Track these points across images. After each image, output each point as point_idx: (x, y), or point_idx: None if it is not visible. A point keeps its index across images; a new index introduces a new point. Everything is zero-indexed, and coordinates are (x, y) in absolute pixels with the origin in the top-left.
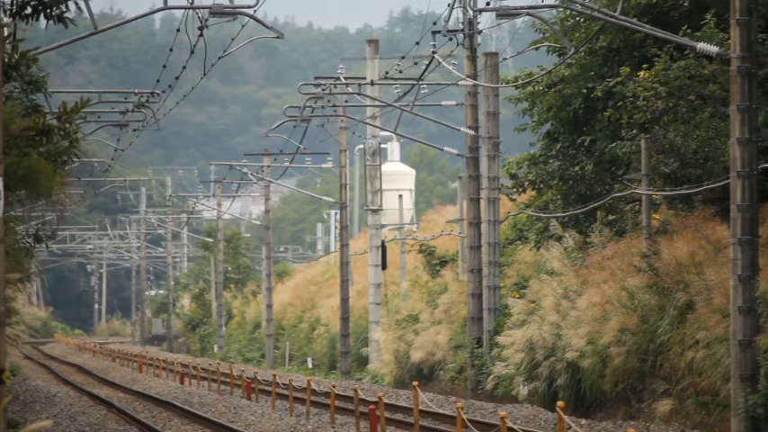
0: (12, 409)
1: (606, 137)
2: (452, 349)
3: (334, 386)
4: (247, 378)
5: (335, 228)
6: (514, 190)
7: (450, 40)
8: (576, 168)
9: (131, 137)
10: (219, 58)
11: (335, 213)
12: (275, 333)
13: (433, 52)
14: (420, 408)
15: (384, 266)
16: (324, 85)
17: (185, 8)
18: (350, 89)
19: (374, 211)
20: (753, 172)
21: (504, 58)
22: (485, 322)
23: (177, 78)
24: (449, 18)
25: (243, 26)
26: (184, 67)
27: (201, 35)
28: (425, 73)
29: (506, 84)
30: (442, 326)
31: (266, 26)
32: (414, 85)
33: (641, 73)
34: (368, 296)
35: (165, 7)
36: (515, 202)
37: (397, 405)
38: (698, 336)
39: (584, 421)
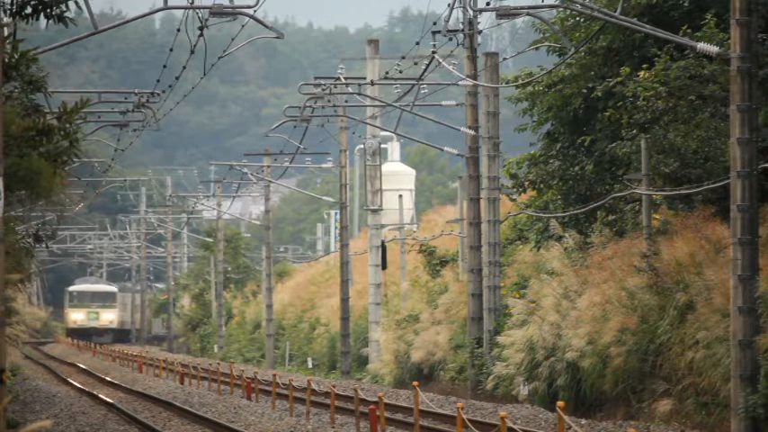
0: (12, 409)
1: (606, 137)
2: (452, 349)
3: (334, 386)
4: (247, 378)
5: (335, 228)
6: (514, 190)
7: (450, 40)
8: (576, 168)
9: (131, 137)
10: (219, 58)
11: (335, 213)
12: (275, 333)
13: (433, 52)
14: (420, 408)
15: (384, 266)
16: (324, 85)
17: (185, 8)
18: (350, 89)
19: (374, 211)
20: (753, 172)
21: (504, 58)
22: (485, 322)
23: (177, 78)
24: (449, 18)
25: (243, 26)
26: (184, 67)
27: (201, 35)
28: (425, 73)
29: (506, 84)
30: (442, 326)
31: (266, 26)
32: (414, 85)
33: (641, 73)
34: (368, 296)
35: (165, 7)
36: (515, 202)
37: (397, 405)
38: (698, 336)
39: (584, 421)
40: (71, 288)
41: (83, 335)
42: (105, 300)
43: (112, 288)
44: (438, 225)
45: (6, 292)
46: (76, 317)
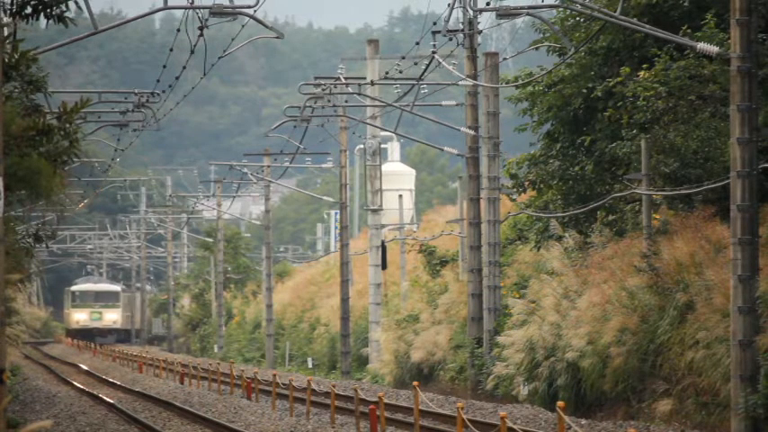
0: (12, 409)
1: (606, 137)
2: (452, 349)
3: (334, 386)
4: (247, 378)
5: (335, 228)
6: (514, 190)
7: (451, 40)
8: (576, 168)
9: (131, 137)
10: (219, 58)
11: (335, 213)
12: (275, 333)
13: (433, 52)
14: (420, 408)
15: (384, 266)
16: (324, 85)
17: (185, 8)
18: (350, 89)
19: (374, 211)
20: (753, 172)
21: (505, 58)
22: (485, 322)
23: (177, 78)
24: (449, 18)
25: (243, 26)
26: (184, 67)
27: (201, 35)
28: (425, 73)
29: (506, 84)
30: (442, 326)
31: (266, 26)
32: (414, 85)
33: (641, 73)
34: (368, 296)
35: (165, 7)
36: (515, 202)
37: (397, 405)
38: (698, 336)
39: (584, 421)
40: (73, 288)
41: (85, 335)
42: (108, 299)
43: (116, 287)
44: (438, 225)
45: (6, 292)
46: (79, 317)
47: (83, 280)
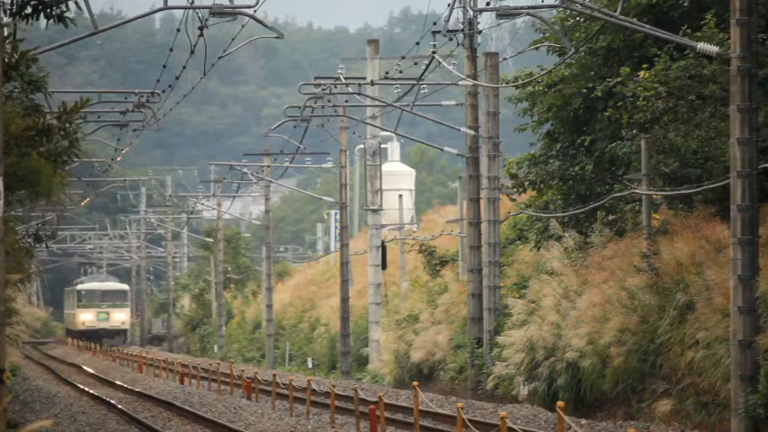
0: (12, 409)
1: (606, 137)
2: (452, 349)
3: (334, 386)
4: (247, 378)
5: (335, 228)
6: (514, 190)
7: (451, 40)
8: (576, 168)
9: (131, 137)
10: (219, 58)
11: (335, 213)
12: (275, 333)
13: (433, 52)
14: (420, 408)
15: (384, 266)
16: (324, 85)
17: (185, 8)
18: (350, 89)
19: (374, 211)
20: (753, 172)
21: (504, 58)
22: (485, 322)
23: (177, 78)
24: (449, 18)
25: (243, 26)
26: (184, 67)
27: (201, 35)
28: (425, 73)
29: (506, 84)
30: (442, 326)
31: (266, 26)
32: (414, 85)
33: (641, 73)
34: (368, 296)
35: (165, 7)
36: (515, 202)
37: (397, 405)
38: (698, 336)
39: (584, 421)
40: (79, 287)
41: (91, 337)
42: (116, 299)
43: (124, 286)
44: (438, 225)
45: (6, 292)
46: (85, 318)
47: (88, 278)
